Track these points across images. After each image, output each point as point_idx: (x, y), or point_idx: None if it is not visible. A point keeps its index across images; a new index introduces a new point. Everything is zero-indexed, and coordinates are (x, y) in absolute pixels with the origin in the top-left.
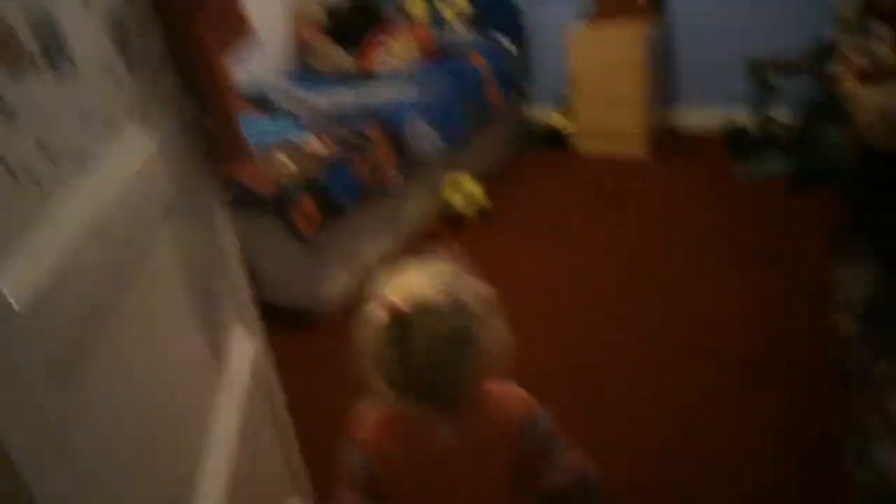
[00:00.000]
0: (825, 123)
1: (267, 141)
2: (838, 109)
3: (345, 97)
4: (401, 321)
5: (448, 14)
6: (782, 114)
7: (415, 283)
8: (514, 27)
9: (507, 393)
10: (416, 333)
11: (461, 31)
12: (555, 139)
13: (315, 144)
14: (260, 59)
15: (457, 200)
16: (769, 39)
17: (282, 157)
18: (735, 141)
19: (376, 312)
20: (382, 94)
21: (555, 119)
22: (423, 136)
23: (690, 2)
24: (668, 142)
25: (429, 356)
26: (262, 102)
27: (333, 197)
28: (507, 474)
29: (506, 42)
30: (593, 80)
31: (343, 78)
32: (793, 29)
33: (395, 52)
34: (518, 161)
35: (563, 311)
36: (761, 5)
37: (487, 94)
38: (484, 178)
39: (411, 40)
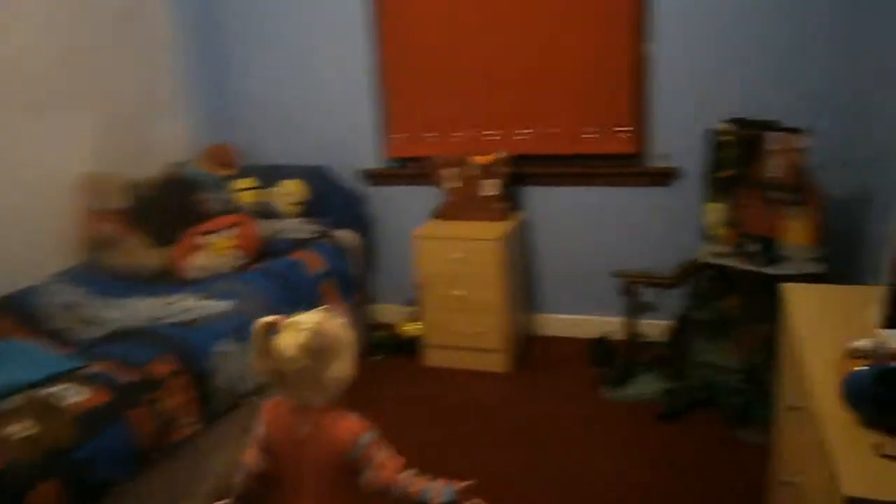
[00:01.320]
0: (700, 342)
1: (12, 382)
2: (715, 328)
3: (141, 310)
4: (270, 328)
5: (280, 205)
6: (653, 330)
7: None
8: (356, 219)
9: (349, 416)
10: (284, 340)
11: (294, 226)
12: (403, 346)
13: (74, 391)
14: (31, 253)
15: None
16: (636, 252)
17: (15, 418)
18: (602, 357)
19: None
20: (190, 308)
21: (403, 325)
22: (238, 366)
23: (553, 209)
24: (531, 354)
25: (291, 362)
26: (26, 317)
27: (92, 473)
28: (337, 470)
29: (347, 237)
30: (443, 283)
31: (145, 281)
32: (663, 244)
33: (215, 249)
34: (360, 374)
35: None
36: (629, 221)
37: (325, 302)
38: None
39: (234, 236)
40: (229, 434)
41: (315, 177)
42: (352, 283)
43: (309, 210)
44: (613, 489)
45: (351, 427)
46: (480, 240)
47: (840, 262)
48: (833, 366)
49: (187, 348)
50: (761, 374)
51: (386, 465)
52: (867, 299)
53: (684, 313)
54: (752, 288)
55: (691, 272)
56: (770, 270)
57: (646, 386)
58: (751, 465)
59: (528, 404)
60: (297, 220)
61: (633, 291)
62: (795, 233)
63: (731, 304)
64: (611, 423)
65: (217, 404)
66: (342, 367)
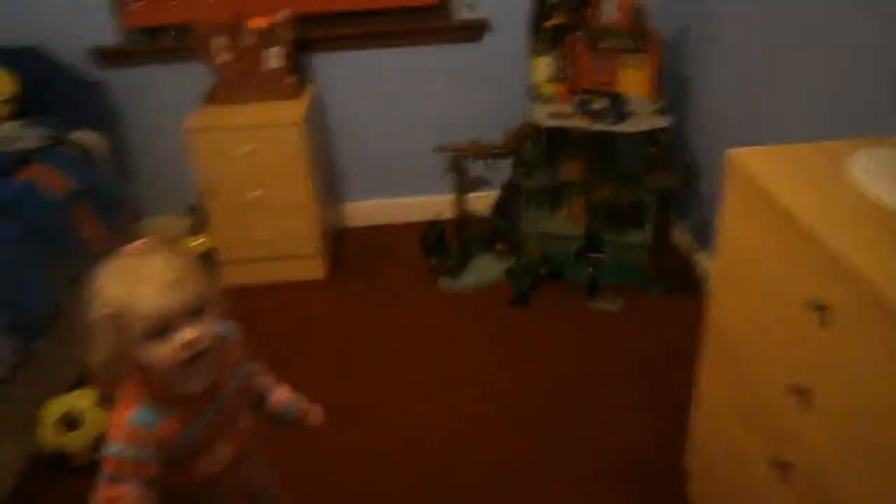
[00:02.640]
0: (533, 212)
1: None
2: (550, 195)
3: None
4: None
5: None
6: (486, 205)
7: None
8: (95, 116)
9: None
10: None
11: (10, 133)
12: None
13: None
14: None
15: (69, 439)
16: (456, 120)
17: None
18: (434, 245)
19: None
20: None
21: (186, 241)
22: None
23: (352, 78)
24: (349, 252)
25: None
26: None
27: None
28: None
29: (89, 139)
30: (232, 185)
31: None
32: (485, 109)
33: None
34: None
35: None
36: (441, 86)
37: (78, 229)
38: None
39: None
40: None
41: (26, 61)
42: (110, 201)
43: (25, 109)
44: (478, 394)
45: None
46: (273, 126)
47: (678, 113)
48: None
49: None
50: (601, 239)
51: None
52: (836, 156)
53: (511, 183)
54: (595, 149)
55: (524, 137)
56: (619, 128)
57: (486, 270)
58: (617, 333)
59: (358, 312)
60: (11, 125)
61: (461, 166)
62: (635, 84)
63: (573, 169)
64: (456, 318)
65: None
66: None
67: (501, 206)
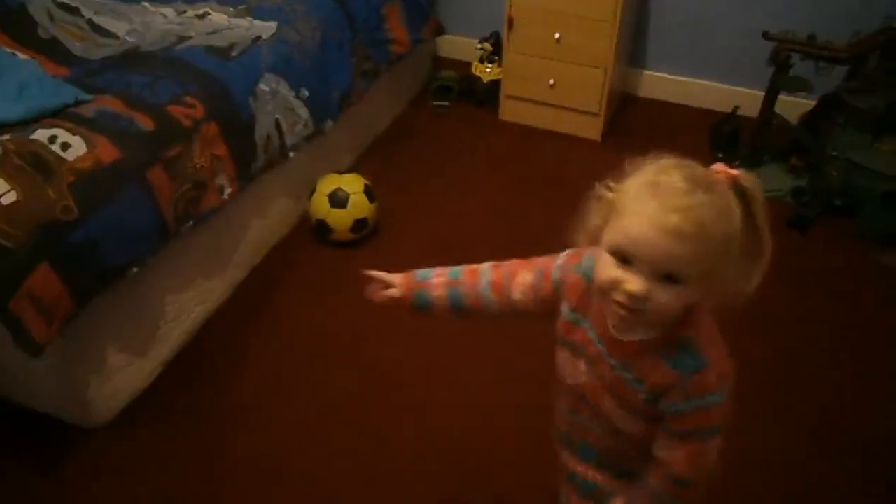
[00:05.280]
0: (849, 135)
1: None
2: (876, 121)
3: (158, 23)
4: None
5: None
6: (794, 112)
7: None
8: None
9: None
10: None
11: None
12: (474, 93)
13: (72, 140)
14: None
15: (334, 216)
16: (797, 6)
17: None
18: (726, 140)
19: None
20: (220, 28)
21: (478, 66)
22: (286, 112)
23: None
24: (631, 120)
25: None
26: (5, 16)
27: (100, 259)
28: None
29: None
30: (538, 21)
31: None
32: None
33: None
34: (422, 126)
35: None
36: None
37: (388, 29)
38: (373, 159)
39: None
40: (270, 196)
41: None
42: (423, 7)
43: None
44: None
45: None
46: None
47: None
48: None
49: (220, 85)
50: None
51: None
52: None
53: (836, 94)
54: None
55: (875, 46)
56: None
57: (773, 180)
58: (892, 297)
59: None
60: None
61: (784, 61)
62: None
63: None
64: None
65: (256, 161)
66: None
67: (813, 118)
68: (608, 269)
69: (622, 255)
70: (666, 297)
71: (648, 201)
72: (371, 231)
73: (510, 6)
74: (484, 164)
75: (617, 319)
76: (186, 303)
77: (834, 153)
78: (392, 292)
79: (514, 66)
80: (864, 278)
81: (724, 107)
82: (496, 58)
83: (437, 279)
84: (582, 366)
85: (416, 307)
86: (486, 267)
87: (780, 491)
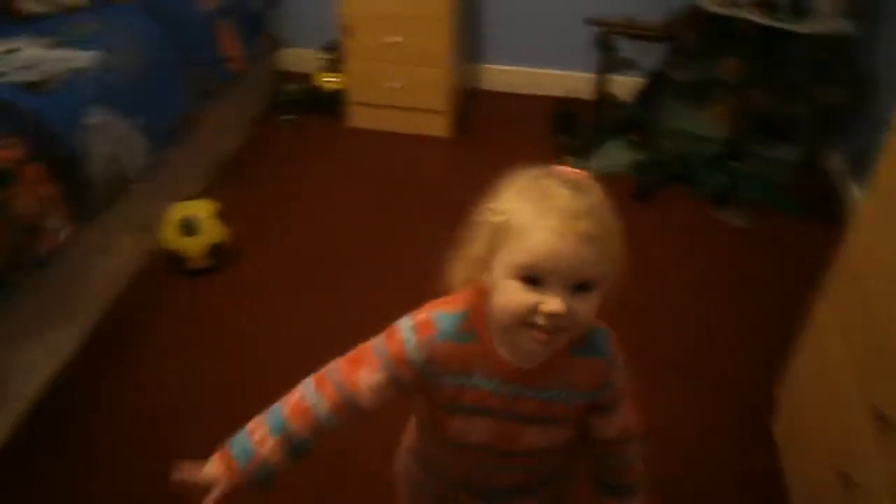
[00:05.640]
0: (676, 106)
1: None
2: (697, 91)
3: None
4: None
5: None
6: (626, 90)
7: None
8: None
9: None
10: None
11: None
12: (320, 103)
13: None
14: None
15: (187, 245)
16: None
17: None
18: (565, 122)
19: None
20: (35, 61)
21: (320, 76)
22: (121, 143)
23: None
24: (477, 115)
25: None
26: None
27: None
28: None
29: None
30: (374, 26)
31: None
32: None
33: None
34: (271, 142)
35: None
36: None
37: (221, 48)
38: (225, 182)
39: None
40: (116, 233)
41: None
42: (255, 22)
43: None
44: None
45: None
46: None
47: (867, 19)
48: None
49: (38, 122)
50: (745, 147)
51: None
52: None
53: (660, 70)
54: (759, 48)
55: (686, 23)
56: (794, 27)
57: (614, 156)
58: (738, 250)
59: (477, 177)
60: None
61: (610, 44)
62: None
63: (729, 67)
64: None
65: (93, 198)
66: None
67: (644, 95)
68: (518, 296)
69: (531, 277)
70: (584, 307)
71: (548, 214)
72: (230, 255)
73: (344, 15)
74: (339, 174)
75: (536, 345)
76: (35, 355)
77: (665, 125)
78: (215, 496)
79: (357, 72)
80: (702, 234)
81: (563, 92)
82: (338, 66)
83: (263, 448)
84: (482, 423)
85: (257, 487)
86: (312, 393)
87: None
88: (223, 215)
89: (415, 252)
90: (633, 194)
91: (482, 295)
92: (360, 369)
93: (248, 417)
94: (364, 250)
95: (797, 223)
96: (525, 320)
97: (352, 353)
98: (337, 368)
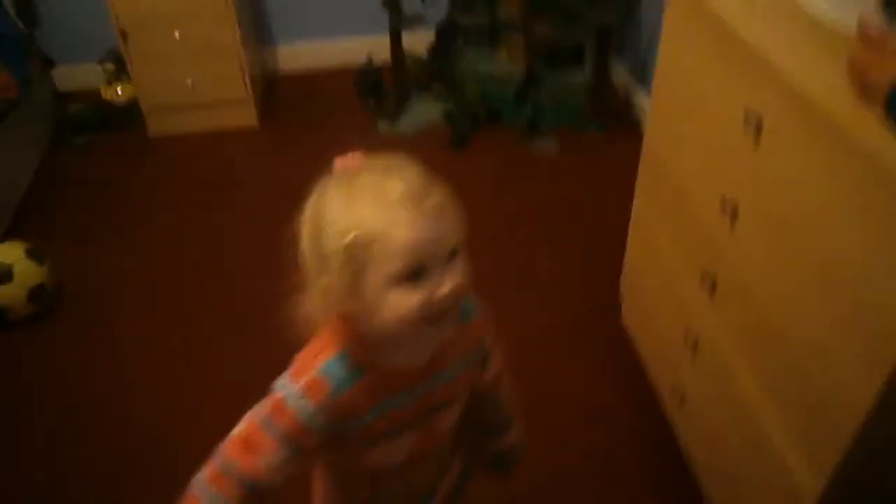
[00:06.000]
0: (470, 52)
1: None
2: (486, 34)
3: None
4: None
5: None
6: (423, 45)
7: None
8: None
9: None
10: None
11: None
12: (113, 118)
13: None
14: None
15: (2, 294)
16: None
17: None
18: (371, 87)
19: None
20: None
21: (106, 89)
22: None
23: None
24: (282, 98)
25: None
26: None
27: None
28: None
29: None
30: (155, 25)
31: None
32: None
33: None
34: (70, 169)
35: None
36: None
37: None
38: (30, 219)
39: None
40: None
41: None
42: (17, 46)
43: None
44: None
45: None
46: None
47: None
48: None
49: None
50: (540, 78)
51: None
52: None
53: (449, 20)
54: None
55: None
56: None
57: (424, 111)
58: (556, 173)
59: (295, 166)
60: None
61: (396, 3)
62: None
63: (510, 4)
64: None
65: None
66: None
67: (438, 47)
68: (409, 299)
69: (412, 273)
70: (464, 270)
71: (393, 209)
72: (54, 296)
73: (117, 18)
74: (150, 189)
75: (447, 331)
76: None
77: (464, 71)
78: None
79: (145, 77)
80: (521, 167)
81: (365, 58)
82: (124, 75)
83: None
84: (403, 438)
85: None
86: (212, 497)
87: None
88: (35, 254)
89: (249, 258)
90: (450, 143)
91: (346, 322)
92: (256, 454)
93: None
94: (196, 264)
95: (602, 139)
96: (426, 317)
97: (239, 436)
98: (229, 459)
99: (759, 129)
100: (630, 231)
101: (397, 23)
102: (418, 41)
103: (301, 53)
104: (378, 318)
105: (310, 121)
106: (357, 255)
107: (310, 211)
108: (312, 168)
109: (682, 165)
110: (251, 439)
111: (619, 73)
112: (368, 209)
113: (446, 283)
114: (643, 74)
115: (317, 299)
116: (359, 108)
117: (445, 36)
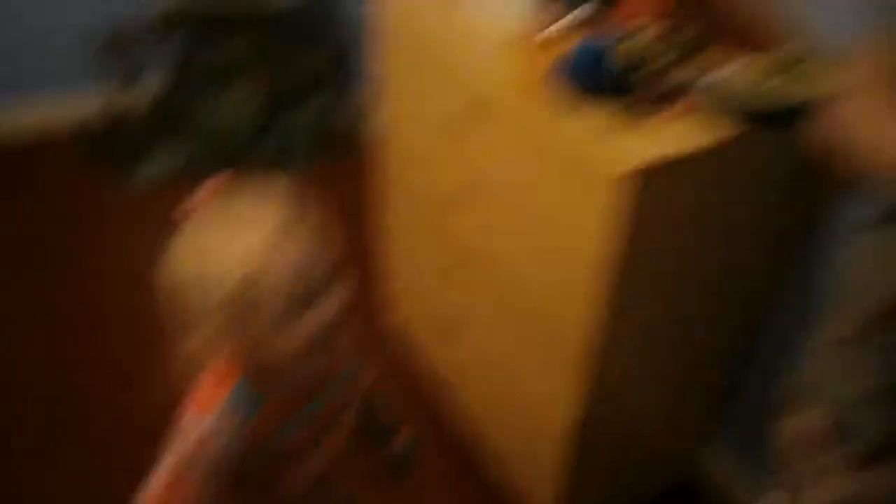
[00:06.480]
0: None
1: None
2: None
3: None
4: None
5: None
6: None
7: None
8: None
9: None
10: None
11: None
12: None
13: None
14: None
15: None
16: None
17: None
18: (103, 145)
19: None
20: None
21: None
22: None
23: None
24: None
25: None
26: None
27: None
28: None
29: None
30: None
31: None
32: None
33: None
34: None
35: None
36: None
37: None
38: None
39: None
40: None
41: None
42: None
43: None
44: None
45: None
46: None
47: None
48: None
49: None
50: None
51: None
52: None
53: (179, 64)
54: (249, 26)
55: (179, 14)
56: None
57: (166, 160)
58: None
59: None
60: None
61: (123, 51)
62: None
63: (234, 48)
64: (147, 220)
65: None
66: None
67: (172, 91)
68: (307, 326)
69: (303, 303)
70: (346, 286)
71: (276, 235)
72: None
73: None
74: None
75: (319, 360)
76: None
77: (198, 115)
78: None
79: None
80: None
81: (89, 114)
82: None
83: None
84: (316, 451)
85: None
86: None
87: None
88: None
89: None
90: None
91: (240, 354)
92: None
93: None
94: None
95: (342, 162)
96: (326, 335)
97: (162, 481)
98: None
99: (478, 118)
100: (381, 236)
101: (126, 71)
102: (149, 88)
103: (13, 116)
104: (279, 349)
105: (24, 198)
106: (246, 291)
107: (179, 260)
108: (52, 231)
109: (414, 157)
110: (176, 478)
111: (352, 102)
112: (249, 243)
113: (334, 302)
114: (365, 108)
115: (203, 339)
116: (87, 171)
117: (178, 80)
